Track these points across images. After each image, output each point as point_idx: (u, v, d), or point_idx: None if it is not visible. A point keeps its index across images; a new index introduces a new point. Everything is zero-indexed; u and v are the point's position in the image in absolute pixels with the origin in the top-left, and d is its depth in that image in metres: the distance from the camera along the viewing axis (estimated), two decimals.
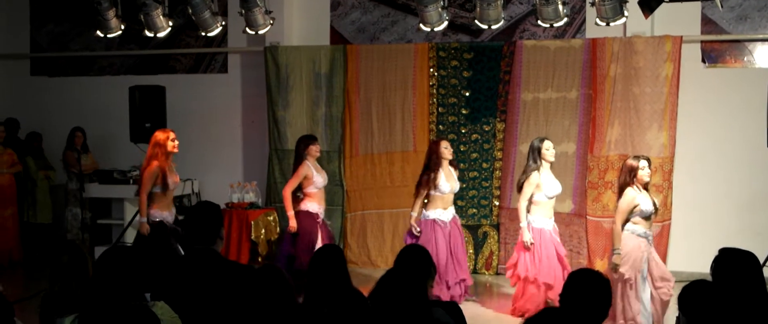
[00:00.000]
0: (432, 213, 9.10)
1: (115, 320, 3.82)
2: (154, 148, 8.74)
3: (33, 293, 5.49)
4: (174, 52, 12.91)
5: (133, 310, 3.76)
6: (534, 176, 8.61)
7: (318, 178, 9.34)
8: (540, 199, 8.67)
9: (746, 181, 10.67)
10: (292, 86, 11.82)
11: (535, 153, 8.67)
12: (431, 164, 9.09)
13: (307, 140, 9.53)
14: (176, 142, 8.81)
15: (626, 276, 7.73)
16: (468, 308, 8.93)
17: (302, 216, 9.38)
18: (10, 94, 13.56)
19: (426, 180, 9.05)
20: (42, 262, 11.32)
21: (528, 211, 8.74)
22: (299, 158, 9.39)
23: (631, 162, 7.88)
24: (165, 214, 8.75)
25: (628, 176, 7.80)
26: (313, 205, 9.39)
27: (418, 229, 8.99)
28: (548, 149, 8.70)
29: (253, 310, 4.34)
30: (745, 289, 4.80)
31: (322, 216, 9.50)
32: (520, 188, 8.78)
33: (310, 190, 9.34)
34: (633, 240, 7.78)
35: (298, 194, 9.45)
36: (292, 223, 9.31)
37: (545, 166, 8.70)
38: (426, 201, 9.20)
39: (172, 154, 8.83)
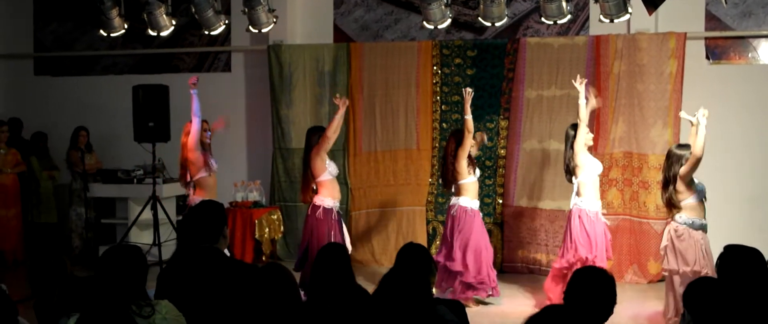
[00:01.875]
0: (470, 202, 9.11)
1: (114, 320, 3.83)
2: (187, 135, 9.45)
3: (37, 293, 5.49)
4: (177, 51, 12.91)
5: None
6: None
7: (331, 166, 9.24)
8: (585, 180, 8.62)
9: (751, 177, 10.66)
10: (295, 84, 11.83)
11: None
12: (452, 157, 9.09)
13: (318, 131, 9.25)
14: (208, 133, 9.68)
15: (703, 271, 7.63)
16: (471, 307, 8.98)
17: (322, 213, 9.23)
18: (14, 94, 13.58)
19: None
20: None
21: (578, 194, 8.65)
22: (310, 149, 9.24)
23: (680, 152, 7.83)
24: None
25: (679, 167, 7.75)
26: (329, 200, 9.15)
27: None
28: (588, 133, 8.66)
29: (257, 309, 4.33)
30: (750, 285, 4.79)
31: (336, 210, 9.25)
32: (571, 171, 8.69)
33: (324, 177, 9.14)
34: (691, 234, 7.74)
35: (313, 186, 9.31)
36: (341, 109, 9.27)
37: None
38: (453, 191, 9.19)
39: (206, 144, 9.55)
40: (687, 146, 7.90)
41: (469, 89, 9.18)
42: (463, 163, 9.02)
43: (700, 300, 4.29)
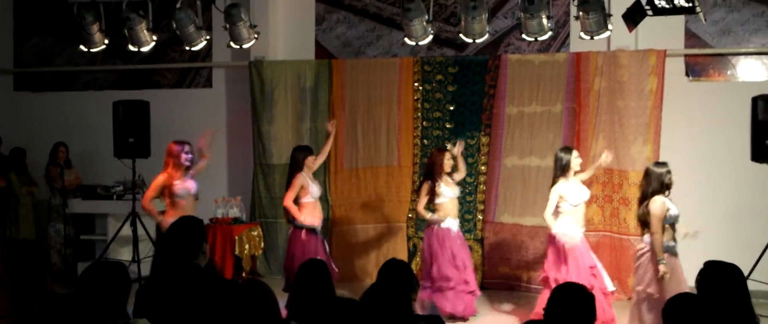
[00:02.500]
0: (442, 222, 9.27)
1: None
2: (166, 157, 9.17)
3: (16, 310, 5.45)
4: (158, 67, 12.88)
5: None
6: (558, 185, 8.63)
7: (313, 189, 9.22)
8: (565, 208, 8.64)
9: (731, 194, 10.70)
10: (277, 101, 11.81)
11: (563, 163, 8.65)
12: (434, 174, 9.22)
13: (304, 151, 9.35)
14: (189, 155, 9.22)
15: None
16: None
17: (306, 233, 9.24)
18: None
19: (429, 188, 9.20)
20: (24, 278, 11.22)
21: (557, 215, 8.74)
22: (295, 169, 9.23)
23: (658, 170, 7.86)
24: None
25: (658, 184, 7.79)
26: (309, 218, 9.23)
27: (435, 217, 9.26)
28: (577, 158, 8.73)
29: None
30: (729, 301, 4.80)
31: (318, 230, 9.26)
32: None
33: (306, 200, 9.13)
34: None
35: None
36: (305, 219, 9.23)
37: (570, 175, 8.69)
38: (432, 208, 9.30)
39: (185, 167, 9.20)
40: (664, 164, 7.95)
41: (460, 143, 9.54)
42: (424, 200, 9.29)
43: (680, 316, 4.29)
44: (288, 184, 9.21)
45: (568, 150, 8.76)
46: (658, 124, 10.43)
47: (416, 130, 11.42)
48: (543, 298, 8.70)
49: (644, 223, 7.83)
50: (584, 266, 8.59)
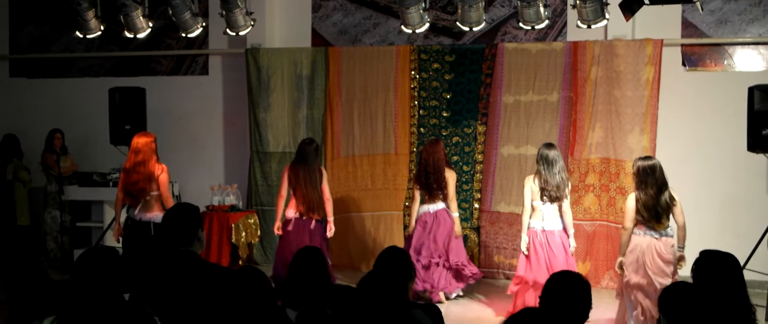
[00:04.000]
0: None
1: (98, 320, 3.79)
2: (146, 148, 8.78)
3: (12, 296, 5.43)
4: (154, 54, 12.84)
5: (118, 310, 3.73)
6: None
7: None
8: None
9: (727, 183, 10.72)
10: (273, 88, 11.79)
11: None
12: (450, 164, 9.50)
13: (314, 144, 9.40)
14: None
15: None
16: (449, 310, 8.97)
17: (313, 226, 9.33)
18: None
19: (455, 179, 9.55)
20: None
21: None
22: (319, 162, 9.28)
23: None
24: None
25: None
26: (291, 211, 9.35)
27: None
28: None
29: (233, 313, 4.30)
30: (725, 290, 4.80)
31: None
32: (562, 197, 8.59)
33: None
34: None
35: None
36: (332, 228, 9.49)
37: None
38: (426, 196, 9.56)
39: None
40: (650, 158, 8.06)
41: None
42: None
43: (676, 305, 4.30)
44: (310, 179, 9.24)
45: (551, 146, 8.78)
46: (655, 113, 10.43)
47: (413, 119, 11.41)
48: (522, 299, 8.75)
49: (667, 213, 7.81)
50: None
